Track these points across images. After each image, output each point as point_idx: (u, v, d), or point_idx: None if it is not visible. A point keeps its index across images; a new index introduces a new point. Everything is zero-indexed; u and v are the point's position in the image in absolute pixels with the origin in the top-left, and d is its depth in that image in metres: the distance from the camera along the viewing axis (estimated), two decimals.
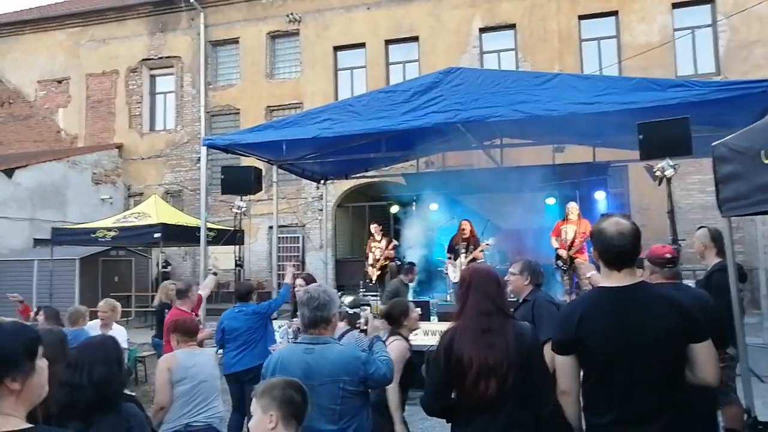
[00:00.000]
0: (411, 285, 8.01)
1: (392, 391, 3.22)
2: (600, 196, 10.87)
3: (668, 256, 3.32)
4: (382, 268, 10.55)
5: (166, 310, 6.68)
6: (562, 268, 9.47)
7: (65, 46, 18.97)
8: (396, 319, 3.45)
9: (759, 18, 12.96)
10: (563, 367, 2.34)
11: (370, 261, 10.96)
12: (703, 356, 2.22)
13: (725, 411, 3.42)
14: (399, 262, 10.19)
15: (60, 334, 3.10)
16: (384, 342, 3.06)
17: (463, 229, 9.95)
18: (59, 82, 19.07)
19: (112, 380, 2.42)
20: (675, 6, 13.87)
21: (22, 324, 1.73)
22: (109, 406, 2.36)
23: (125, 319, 14.15)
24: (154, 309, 7.25)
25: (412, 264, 8.44)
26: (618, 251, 2.26)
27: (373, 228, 10.90)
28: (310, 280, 4.66)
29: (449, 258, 10.20)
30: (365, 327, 3.07)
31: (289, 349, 2.74)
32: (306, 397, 2.10)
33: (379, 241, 10.68)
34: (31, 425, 1.48)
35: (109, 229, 11.85)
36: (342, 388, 2.62)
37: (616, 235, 2.26)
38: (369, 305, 3.65)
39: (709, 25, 13.62)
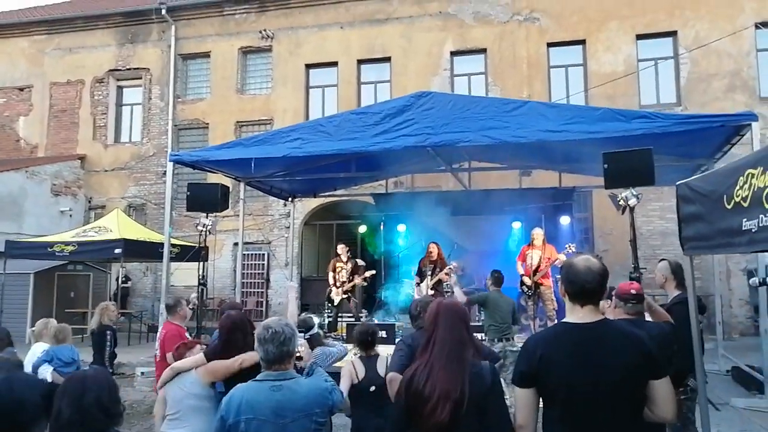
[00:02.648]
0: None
1: None
2: (565, 220, 11.06)
3: (633, 292, 3.39)
4: (348, 292, 10.33)
5: (108, 333, 6.43)
6: (527, 294, 9.55)
7: (28, 54, 18.49)
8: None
9: (717, 53, 13.51)
10: (522, 399, 2.34)
11: (334, 282, 10.45)
12: (662, 393, 2.24)
13: None
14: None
15: (12, 361, 2.98)
16: (322, 368, 3.05)
17: (431, 252, 9.96)
18: (21, 89, 18.53)
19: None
20: (639, 37, 14.34)
21: (36, 378, 1.66)
22: None
23: (80, 336, 13.73)
24: (92, 332, 6.74)
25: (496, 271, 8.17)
26: (582, 285, 2.29)
27: (340, 249, 10.66)
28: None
29: (417, 281, 10.19)
30: (300, 355, 3.01)
31: (252, 387, 2.63)
32: None
33: (345, 263, 10.46)
34: None
35: (68, 243, 11.46)
36: (314, 421, 2.59)
37: (583, 270, 2.30)
38: (303, 331, 3.66)
39: (671, 57, 14.12)
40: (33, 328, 5.89)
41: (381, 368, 3.97)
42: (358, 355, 4.16)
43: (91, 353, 6.64)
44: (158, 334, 5.53)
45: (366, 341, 4.14)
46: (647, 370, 2.23)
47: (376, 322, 9.53)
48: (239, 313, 3.92)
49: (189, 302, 5.94)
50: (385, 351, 4.23)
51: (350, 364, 4.09)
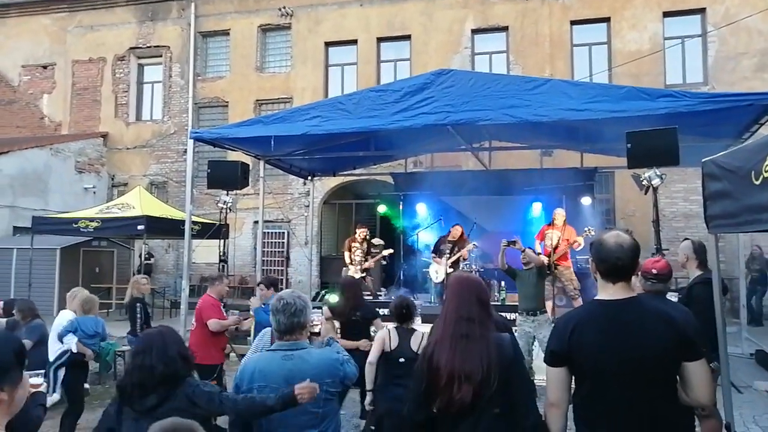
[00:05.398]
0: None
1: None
2: (586, 201, 10.92)
3: (654, 272, 3.36)
4: (365, 271, 10.33)
5: (138, 305, 6.61)
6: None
7: (51, 32, 18.66)
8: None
9: (747, 30, 13.10)
10: (554, 378, 2.33)
11: (350, 261, 10.28)
12: (698, 375, 2.20)
13: (705, 425, 3.42)
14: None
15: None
16: (337, 342, 3.11)
17: (454, 234, 9.92)
18: (44, 67, 18.76)
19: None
20: (666, 15, 13.97)
21: (9, 332, 1.70)
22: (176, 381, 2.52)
23: (105, 311, 14.05)
24: (125, 304, 7.05)
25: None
26: (614, 263, 2.27)
27: (360, 232, 10.53)
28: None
29: (434, 257, 10.19)
30: (318, 330, 3.07)
31: (265, 357, 2.71)
32: None
33: (360, 243, 10.39)
34: None
35: (92, 220, 11.67)
36: (325, 390, 2.65)
37: (615, 247, 2.27)
38: (320, 308, 3.78)
39: (698, 35, 13.74)
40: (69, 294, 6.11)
41: (414, 343, 4.02)
42: (395, 325, 4.26)
43: (118, 327, 6.85)
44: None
45: (401, 314, 4.24)
46: (681, 351, 2.19)
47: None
48: (351, 278, 5.39)
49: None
50: (422, 328, 4.27)
51: (386, 331, 4.19)
